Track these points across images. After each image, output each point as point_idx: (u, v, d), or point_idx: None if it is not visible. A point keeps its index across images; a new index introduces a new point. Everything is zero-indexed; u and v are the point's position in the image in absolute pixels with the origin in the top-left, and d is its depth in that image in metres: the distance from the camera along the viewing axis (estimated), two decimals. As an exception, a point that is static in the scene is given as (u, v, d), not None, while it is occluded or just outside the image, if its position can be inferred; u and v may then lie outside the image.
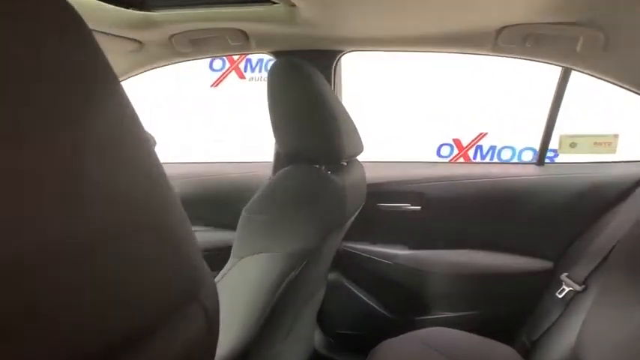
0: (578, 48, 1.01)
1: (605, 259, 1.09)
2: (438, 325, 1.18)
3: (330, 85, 1.27)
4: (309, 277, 1.01)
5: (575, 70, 1.16)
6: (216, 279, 0.84)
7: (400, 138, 4.03)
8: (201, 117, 3.06)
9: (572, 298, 1.13)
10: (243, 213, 0.88)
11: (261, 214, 0.87)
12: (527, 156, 3.72)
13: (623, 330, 0.88)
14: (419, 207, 1.38)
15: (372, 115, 4.03)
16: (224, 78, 3.05)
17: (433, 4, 0.94)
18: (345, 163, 1.06)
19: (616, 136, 1.26)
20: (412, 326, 1.18)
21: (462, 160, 3.94)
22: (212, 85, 3.06)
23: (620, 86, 1.13)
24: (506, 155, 3.86)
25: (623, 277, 1.00)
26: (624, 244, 1.05)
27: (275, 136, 0.98)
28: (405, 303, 1.42)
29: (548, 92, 1.31)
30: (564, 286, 1.16)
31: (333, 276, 1.44)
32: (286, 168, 0.96)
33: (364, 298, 1.46)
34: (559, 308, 1.16)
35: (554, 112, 1.28)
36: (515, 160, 3.81)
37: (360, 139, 1.08)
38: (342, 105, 1.03)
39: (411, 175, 1.40)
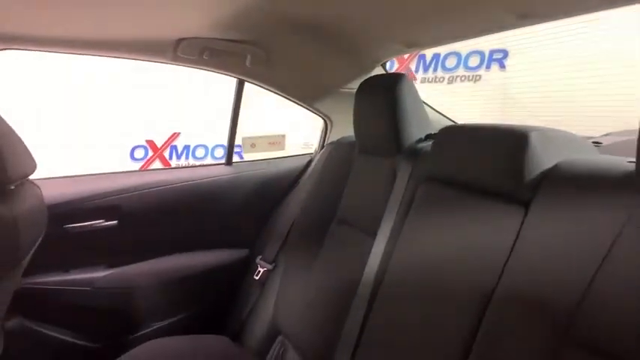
0: (247, 63, 1.19)
1: (286, 238, 1.32)
2: (151, 338, 1.16)
3: None
4: None
5: (246, 80, 1.34)
6: None
7: (89, 146, 3.62)
8: None
9: (267, 277, 1.31)
10: None
11: None
12: (220, 152, 4.08)
13: (308, 293, 1.09)
14: (115, 221, 1.29)
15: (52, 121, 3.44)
16: None
17: (109, 5, 0.87)
18: (13, 187, 0.87)
19: (283, 136, 1.54)
20: (123, 348, 1.11)
21: (157, 162, 3.92)
22: None
23: (282, 95, 1.38)
24: (200, 153, 4.10)
25: (298, 252, 1.23)
26: (297, 224, 1.30)
27: None
28: (112, 327, 1.31)
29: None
30: (259, 268, 1.33)
31: (11, 324, 1.17)
32: None
33: (58, 335, 1.25)
34: (257, 289, 1.32)
35: (235, 117, 1.43)
36: (209, 157, 4.10)
37: (30, 155, 0.91)
38: None
39: (102, 188, 1.29)
